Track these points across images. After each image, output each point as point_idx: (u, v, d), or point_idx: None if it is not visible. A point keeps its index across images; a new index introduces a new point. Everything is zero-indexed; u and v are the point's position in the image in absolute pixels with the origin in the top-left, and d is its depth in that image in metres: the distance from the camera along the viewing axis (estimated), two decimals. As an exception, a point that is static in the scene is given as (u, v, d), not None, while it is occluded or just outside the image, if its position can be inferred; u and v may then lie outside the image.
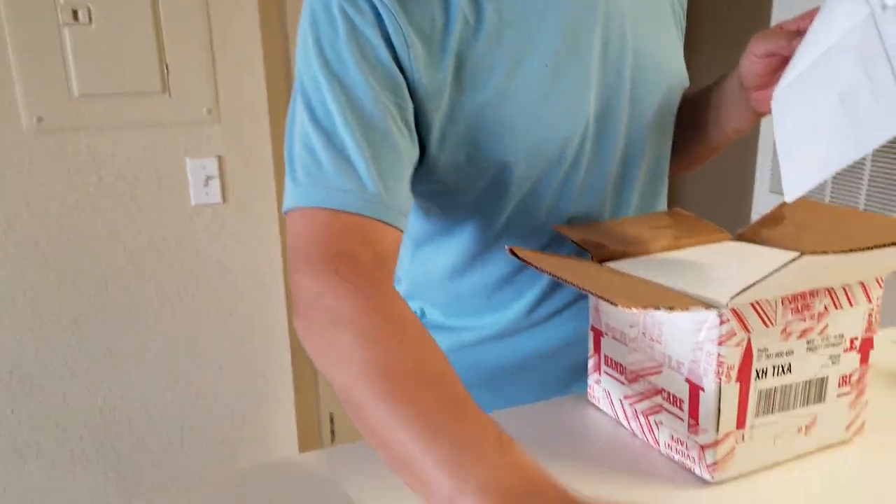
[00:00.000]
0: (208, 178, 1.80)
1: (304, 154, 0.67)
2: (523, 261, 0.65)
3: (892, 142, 1.74)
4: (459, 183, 0.78)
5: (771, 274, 0.53)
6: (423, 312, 0.92)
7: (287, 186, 0.68)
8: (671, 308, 0.55)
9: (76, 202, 1.72)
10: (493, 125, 0.73)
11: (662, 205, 0.91)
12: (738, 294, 0.55)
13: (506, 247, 0.69)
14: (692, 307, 0.56)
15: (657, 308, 0.54)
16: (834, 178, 1.91)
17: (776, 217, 0.78)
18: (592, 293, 0.57)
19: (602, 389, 0.74)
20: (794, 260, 0.50)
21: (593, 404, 0.76)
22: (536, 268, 0.63)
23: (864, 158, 1.82)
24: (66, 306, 1.78)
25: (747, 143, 2.14)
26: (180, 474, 1.99)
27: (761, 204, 2.09)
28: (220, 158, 1.80)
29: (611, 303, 0.54)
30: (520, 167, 0.76)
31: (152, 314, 1.85)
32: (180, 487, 1.94)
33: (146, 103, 1.72)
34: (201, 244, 1.85)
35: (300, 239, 0.65)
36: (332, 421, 2.32)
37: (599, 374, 0.73)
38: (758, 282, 0.54)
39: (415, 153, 0.72)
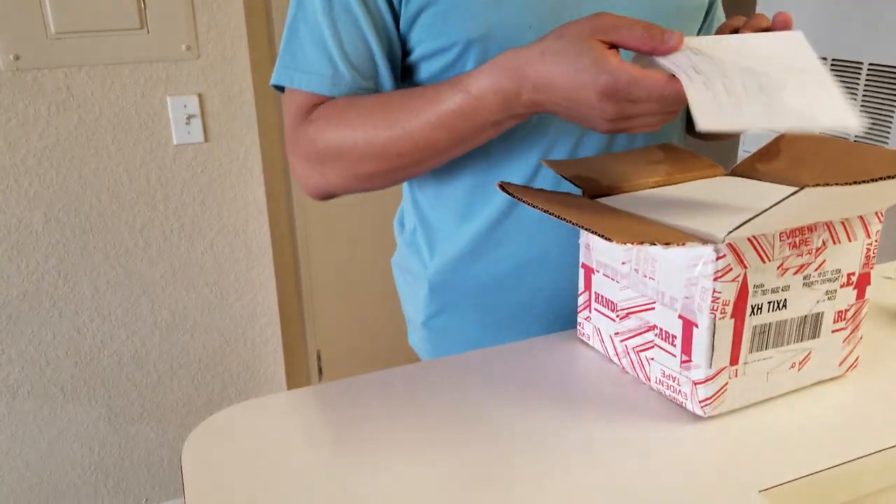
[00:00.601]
0: (190, 118, 1.76)
1: (287, 35, 0.79)
2: (514, 196, 0.63)
3: (884, 72, 1.71)
4: (434, 65, 0.79)
5: (770, 207, 0.51)
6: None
7: (277, 62, 0.81)
8: (667, 243, 0.53)
9: (57, 142, 1.69)
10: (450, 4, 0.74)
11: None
12: (735, 229, 0.54)
13: (496, 183, 0.67)
14: (688, 242, 0.54)
15: (653, 244, 0.53)
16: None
17: (772, 151, 0.76)
18: (586, 229, 0.55)
19: (592, 326, 0.73)
20: (795, 192, 0.49)
21: (583, 341, 0.75)
22: (528, 203, 0.61)
23: (855, 86, 1.79)
24: (51, 247, 1.76)
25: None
26: (170, 410, 2.00)
27: (750, 142, 2.07)
28: (200, 96, 1.77)
29: (605, 238, 0.53)
30: (481, 48, 0.75)
31: (137, 254, 1.84)
32: (173, 423, 1.94)
33: (124, 40, 1.67)
34: (185, 184, 1.82)
35: (285, 119, 0.82)
36: (319, 358, 2.33)
37: (590, 311, 0.72)
38: (756, 216, 0.52)
39: (389, 34, 0.78)
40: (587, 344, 0.75)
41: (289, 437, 0.61)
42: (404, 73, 0.83)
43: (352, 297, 2.34)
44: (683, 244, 0.54)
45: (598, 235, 0.54)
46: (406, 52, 0.81)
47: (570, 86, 0.63)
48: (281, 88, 0.81)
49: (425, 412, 0.64)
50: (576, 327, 0.77)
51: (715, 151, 2.34)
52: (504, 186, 0.65)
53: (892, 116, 1.73)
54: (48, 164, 1.70)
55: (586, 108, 0.63)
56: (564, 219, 0.58)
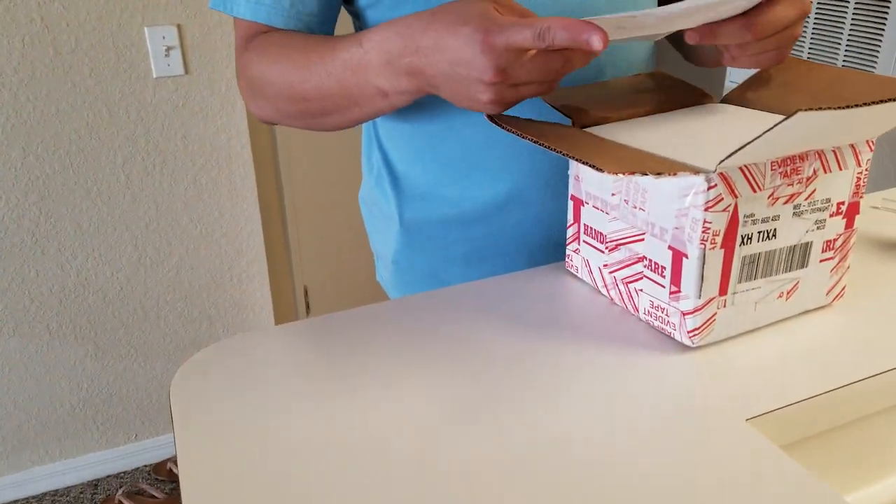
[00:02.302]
0: (169, 49, 1.72)
1: None
2: (503, 126, 0.62)
3: (871, 0, 1.69)
4: (379, 5, 0.77)
5: (762, 134, 0.50)
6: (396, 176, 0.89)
7: None
8: (658, 173, 0.53)
9: (32, 75, 1.65)
10: None
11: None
12: (727, 158, 0.53)
13: (484, 113, 0.66)
14: (679, 172, 0.54)
15: (644, 174, 0.52)
16: (812, 34, 1.86)
17: (762, 78, 0.75)
18: (576, 159, 0.54)
19: (581, 258, 0.72)
20: (788, 117, 0.48)
21: (571, 273, 0.75)
22: (516, 133, 0.60)
23: (843, 15, 1.77)
24: (31, 183, 1.73)
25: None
26: (157, 346, 2.01)
27: (736, 73, 2.04)
28: (179, 27, 1.72)
29: (596, 168, 0.52)
30: None
31: (119, 190, 1.81)
32: (160, 359, 1.95)
33: (99, -34, 1.62)
34: (166, 118, 1.79)
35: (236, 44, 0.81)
36: (306, 293, 2.33)
37: (578, 243, 0.72)
38: (748, 143, 0.51)
39: None
40: (575, 276, 0.75)
41: (277, 372, 0.61)
42: (348, 2, 0.81)
43: (338, 232, 2.33)
44: (675, 174, 0.54)
45: (590, 166, 0.53)
46: None
47: (453, 44, 0.59)
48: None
49: (414, 345, 0.64)
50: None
51: (702, 82, 2.32)
52: (492, 116, 0.64)
53: (879, 45, 1.72)
54: (24, 98, 1.66)
55: (467, 71, 0.59)
56: (555, 149, 0.57)
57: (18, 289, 1.81)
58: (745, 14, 0.64)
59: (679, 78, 0.80)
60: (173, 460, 2.06)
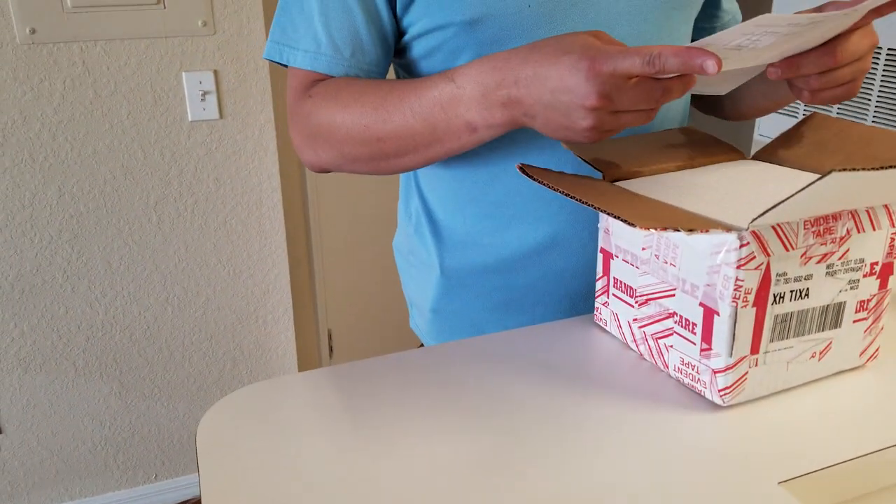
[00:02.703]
0: (205, 94, 1.76)
1: (279, 9, 0.79)
2: (535, 179, 0.62)
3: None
4: (435, 56, 0.78)
5: (795, 194, 0.50)
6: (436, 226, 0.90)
7: (269, 36, 0.81)
8: (690, 230, 0.52)
9: (72, 116, 1.69)
10: None
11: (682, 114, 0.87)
12: (759, 216, 0.53)
13: (516, 165, 0.67)
14: (712, 229, 0.54)
15: (676, 229, 0.52)
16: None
17: (795, 136, 0.75)
18: (609, 213, 0.54)
19: (610, 312, 0.72)
20: (822, 177, 0.48)
21: (600, 327, 0.75)
22: (548, 186, 0.60)
23: (873, 73, 1.77)
24: (65, 221, 1.76)
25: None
26: (181, 386, 2.01)
27: (765, 127, 2.04)
28: (216, 73, 1.76)
29: (628, 223, 0.52)
30: (486, 26, 0.73)
31: (151, 230, 1.84)
32: (184, 399, 1.95)
33: (140, 15, 1.66)
34: (199, 161, 1.82)
35: (288, 92, 0.82)
36: (330, 337, 2.33)
37: (608, 296, 0.72)
38: (780, 202, 0.51)
39: (379, 13, 0.77)
40: (604, 329, 0.74)
41: (303, 420, 0.61)
42: (398, 55, 0.82)
43: (363, 277, 2.34)
44: (707, 231, 0.53)
45: (621, 220, 0.53)
46: (401, 33, 0.79)
47: (556, 72, 0.61)
48: (284, 65, 0.81)
49: (440, 395, 0.63)
50: (583, 312, 0.76)
51: (731, 137, 2.32)
52: (524, 169, 0.64)
53: (913, 104, 1.71)
54: (63, 138, 1.70)
55: (569, 98, 0.60)
56: (587, 202, 0.57)
57: (47, 325, 1.83)
58: (822, 45, 0.65)
59: (709, 134, 0.80)
60: (194, 502, 2.05)
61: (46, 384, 1.88)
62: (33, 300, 1.80)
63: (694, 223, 0.55)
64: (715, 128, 2.18)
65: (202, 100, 1.76)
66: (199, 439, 0.59)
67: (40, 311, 1.82)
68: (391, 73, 0.85)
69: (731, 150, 0.77)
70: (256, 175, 1.88)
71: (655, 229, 0.52)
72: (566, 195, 0.58)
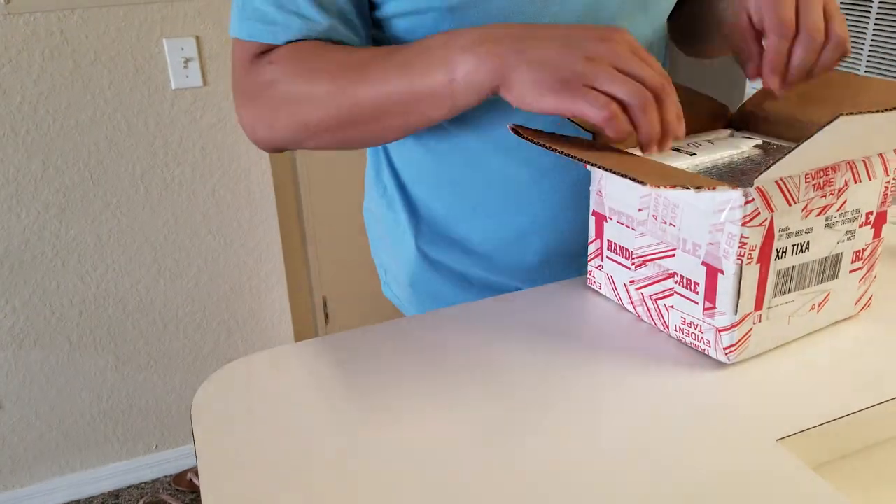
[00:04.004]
0: (187, 61, 1.73)
1: None
2: (529, 139, 0.61)
3: (894, 7, 1.68)
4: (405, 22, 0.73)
5: (800, 144, 0.50)
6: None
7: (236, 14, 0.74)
8: (699, 187, 0.52)
9: (52, 88, 1.66)
10: None
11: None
12: (765, 170, 0.52)
13: (508, 125, 0.65)
14: (719, 187, 0.53)
15: (686, 187, 0.51)
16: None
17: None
18: (615, 172, 0.53)
19: (604, 275, 0.71)
20: (829, 122, 0.47)
21: (593, 290, 0.74)
22: (543, 146, 0.59)
23: (865, 24, 1.76)
24: (51, 195, 1.74)
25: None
26: (176, 357, 2.01)
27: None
28: (198, 39, 1.73)
29: (638, 182, 0.51)
30: (467, 13, 0.69)
31: (139, 202, 1.82)
32: (180, 370, 1.95)
33: (117, -21, 1.63)
34: (184, 130, 1.79)
35: (233, 59, 0.75)
36: (325, 304, 2.33)
37: (601, 259, 0.71)
38: (784, 156, 0.51)
39: None
40: (598, 292, 0.74)
41: (299, 390, 0.60)
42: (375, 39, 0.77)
43: (357, 242, 2.32)
44: (714, 188, 0.53)
45: (631, 179, 0.52)
46: (373, 6, 0.74)
47: (577, 27, 0.61)
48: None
49: (435, 362, 0.63)
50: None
51: (724, 88, 2.30)
52: (517, 129, 0.63)
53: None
54: (44, 111, 1.67)
55: (586, 32, 0.59)
56: (588, 162, 0.56)
57: (39, 301, 1.82)
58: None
59: (693, 89, 0.79)
60: (193, 471, 2.06)
61: (42, 359, 1.87)
62: (24, 276, 1.79)
63: (701, 181, 0.54)
64: (713, 75, 2.16)
65: (185, 67, 1.73)
66: (194, 411, 0.58)
67: (31, 287, 1.80)
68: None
69: (716, 106, 0.76)
70: (244, 142, 1.86)
71: (667, 187, 0.51)
72: (565, 154, 0.57)
